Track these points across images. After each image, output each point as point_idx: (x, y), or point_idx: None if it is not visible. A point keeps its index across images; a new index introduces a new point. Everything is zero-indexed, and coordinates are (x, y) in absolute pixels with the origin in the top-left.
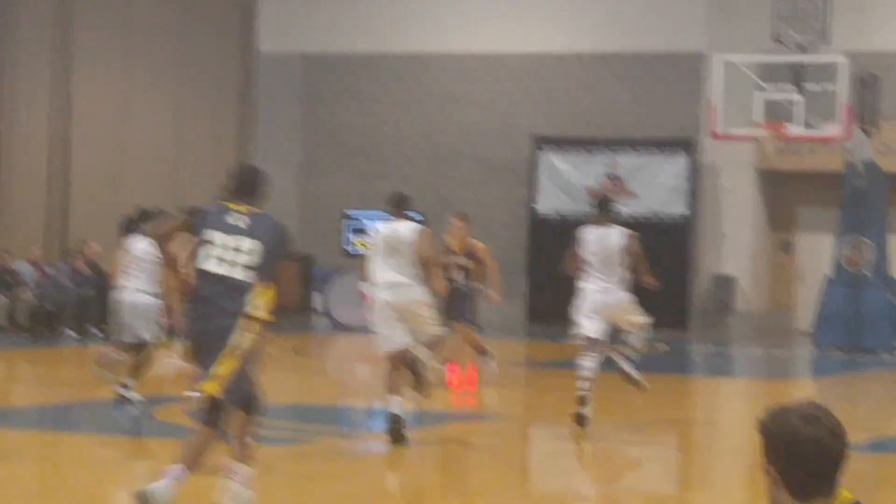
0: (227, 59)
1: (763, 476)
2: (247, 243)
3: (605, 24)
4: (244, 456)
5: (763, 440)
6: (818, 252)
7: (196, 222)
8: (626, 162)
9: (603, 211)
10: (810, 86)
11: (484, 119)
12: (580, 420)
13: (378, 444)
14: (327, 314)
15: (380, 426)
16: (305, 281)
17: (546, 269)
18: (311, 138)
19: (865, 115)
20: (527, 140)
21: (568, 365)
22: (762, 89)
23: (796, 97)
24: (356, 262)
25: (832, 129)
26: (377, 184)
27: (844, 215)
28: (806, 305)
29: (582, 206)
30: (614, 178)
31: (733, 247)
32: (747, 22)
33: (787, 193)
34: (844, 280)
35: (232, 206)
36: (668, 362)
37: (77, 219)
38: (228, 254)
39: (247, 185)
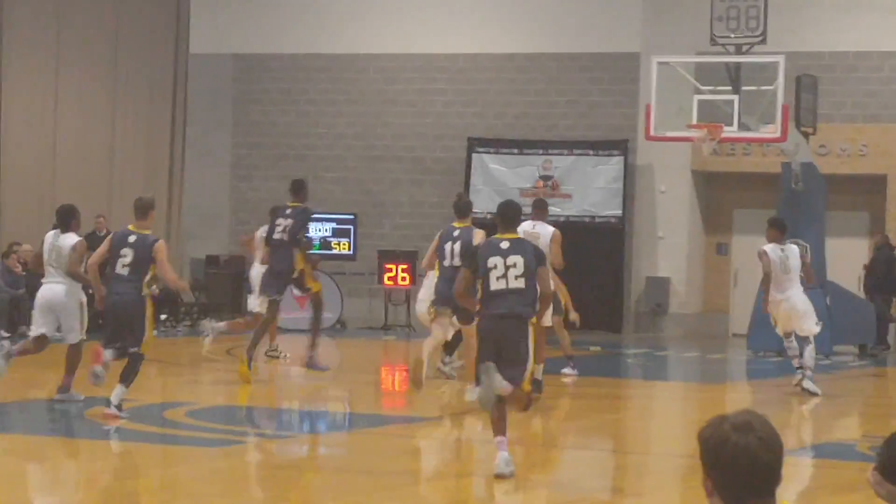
0: (159, 60)
1: (701, 483)
2: None
3: (541, 24)
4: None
5: (700, 448)
6: (754, 254)
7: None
8: (561, 163)
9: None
10: (747, 87)
11: (418, 120)
12: None
13: (312, 446)
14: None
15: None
16: (237, 282)
17: None
18: (244, 139)
19: (803, 116)
20: (461, 141)
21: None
22: (699, 90)
23: (733, 98)
24: None
25: (769, 131)
26: (310, 185)
27: (781, 217)
28: (741, 308)
29: None
30: (548, 180)
31: (668, 249)
32: (684, 23)
33: (722, 195)
34: None
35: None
36: (601, 365)
37: (8, 219)
38: None
39: None
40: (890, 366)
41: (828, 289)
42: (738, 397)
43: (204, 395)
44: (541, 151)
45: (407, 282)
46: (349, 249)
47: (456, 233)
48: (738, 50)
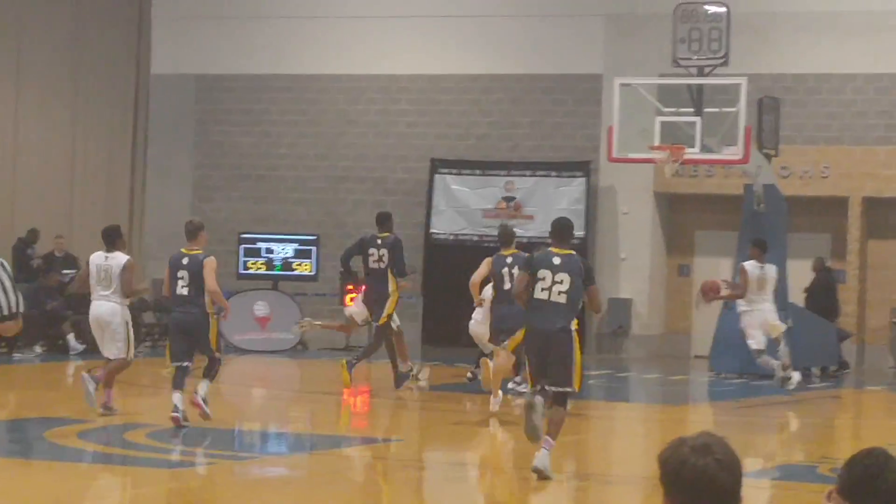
0: (120, 80)
1: None
2: None
3: (504, 45)
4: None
5: (659, 469)
6: (716, 276)
7: None
8: (523, 184)
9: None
10: (710, 109)
11: (380, 141)
12: None
13: (273, 467)
14: (221, 336)
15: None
16: None
17: (441, 291)
18: (205, 160)
19: (765, 138)
20: (423, 162)
21: (462, 388)
22: (661, 112)
23: (695, 120)
24: (250, 284)
25: (731, 152)
26: (272, 206)
27: (742, 239)
28: (703, 330)
29: (478, 229)
30: (511, 201)
31: (630, 270)
32: (647, 45)
33: (684, 217)
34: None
35: None
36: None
37: None
38: None
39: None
40: (851, 387)
41: (790, 311)
42: (699, 419)
43: (165, 416)
44: (503, 172)
45: None
46: (311, 270)
47: (509, 259)
48: (701, 72)
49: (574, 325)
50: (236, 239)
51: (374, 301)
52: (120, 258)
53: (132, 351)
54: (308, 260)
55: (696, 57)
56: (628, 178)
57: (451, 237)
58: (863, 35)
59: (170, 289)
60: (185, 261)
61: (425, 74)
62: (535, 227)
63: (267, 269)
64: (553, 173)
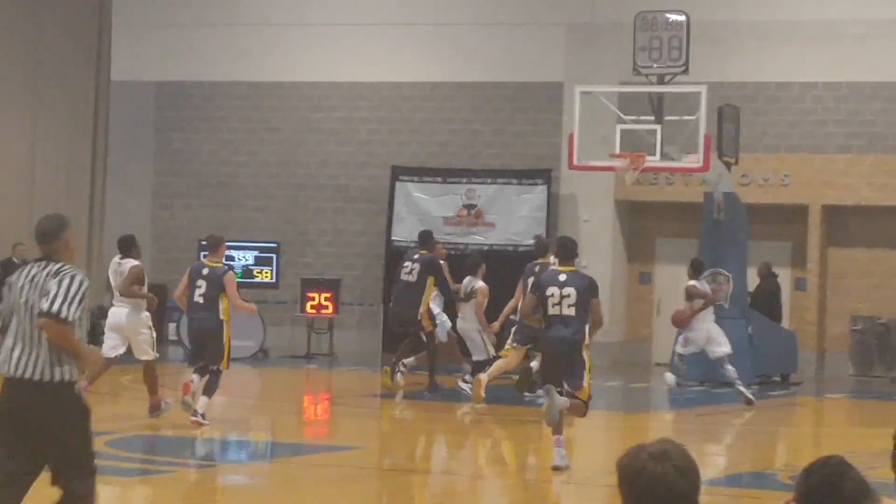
0: (80, 87)
1: None
2: None
3: (465, 53)
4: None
5: (618, 476)
6: (677, 284)
7: None
8: (484, 192)
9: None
10: (670, 117)
11: (341, 148)
12: None
13: (233, 475)
14: (181, 344)
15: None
16: (160, 311)
17: None
18: (166, 167)
19: (725, 146)
20: (384, 170)
21: (422, 396)
22: (622, 120)
23: (656, 128)
24: None
25: (691, 160)
26: (233, 213)
27: (703, 247)
28: (664, 337)
29: (439, 236)
30: (472, 208)
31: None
32: (607, 53)
33: (645, 224)
34: None
35: None
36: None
37: None
38: None
39: None
40: (811, 395)
41: (750, 318)
42: (660, 426)
43: (124, 424)
44: (464, 180)
45: (330, 310)
46: (272, 278)
47: (536, 268)
48: (661, 80)
49: (585, 338)
50: (196, 246)
51: (405, 309)
52: (128, 264)
53: (154, 351)
54: (268, 267)
55: (656, 65)
56: (589, 185)
57: (413, 244)
58: (822, 44)
59: (184, 294)
60: (204, 271)
61: (387, 82)
62: (496, 235)
63: None
64: (514, 181)
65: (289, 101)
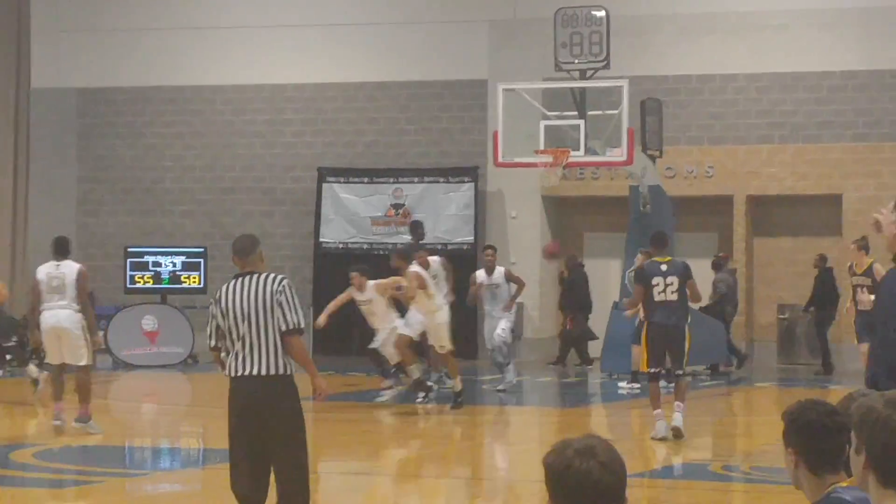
0: (0, 95)
1: None
2: None
3: (389, 52)
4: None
5: (545, 473)
6: (606, 277)
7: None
8: (412, 191)
9: None
10: (593, 112)
11: (267, 151)
12: None
13: (165, 483)
14: (109, 352)
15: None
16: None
17: (331, 300)
18: (89, 174)
19: (649, 139)
20: (311, 171)
21: (352, 397)
22: (546, 116)
23: (579, 123)
24: (138, 299)
25: (616, 154)
26: (159, 219)
27: (630, 240)
28: (595, 332)
29: (367, 237)
30: (399, 208)
31: (521, 274)
32: (530, 49)
33: (572, 219)
34: None
35: None
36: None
37: None
38: None
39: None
40: (740, 384)
41: None
42: (593, 420)
43: (52, 436)
44: (392, 180)
45: None
46: (199, 283)
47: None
48: (583, 75)
49: (688, 320)
50: (123, 253)
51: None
52: (73, 266)
53: (90, 356)
54: (196, 272)
55: (577, 61)
56: (516, 182)
57: (341, 246)
58: (742, 35)
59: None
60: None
61: (311, 83)
62: (425, 234)
63: (154, 283)
64: (441, 179)
65: (213, 105)
